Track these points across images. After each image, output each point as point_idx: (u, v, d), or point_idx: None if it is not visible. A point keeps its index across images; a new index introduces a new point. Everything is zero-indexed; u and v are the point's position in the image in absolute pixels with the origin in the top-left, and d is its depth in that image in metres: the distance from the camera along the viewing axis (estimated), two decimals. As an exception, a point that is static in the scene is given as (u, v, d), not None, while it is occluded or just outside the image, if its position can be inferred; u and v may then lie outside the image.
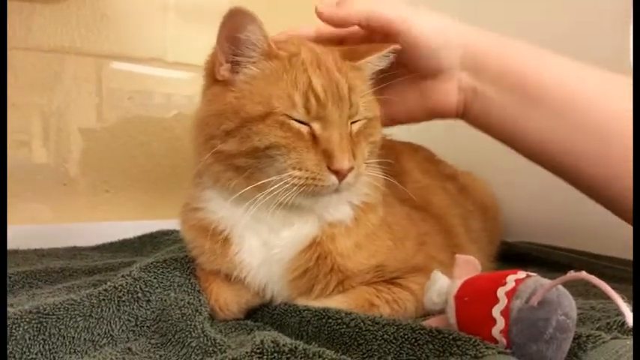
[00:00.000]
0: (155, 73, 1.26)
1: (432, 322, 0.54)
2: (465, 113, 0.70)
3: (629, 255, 0.91)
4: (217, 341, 0.52)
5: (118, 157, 1.22)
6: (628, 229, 0.89)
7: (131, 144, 1.24)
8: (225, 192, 0.62)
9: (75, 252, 1.03)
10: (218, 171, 0.61)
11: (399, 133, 0.84)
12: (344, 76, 0.60)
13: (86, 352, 0.54)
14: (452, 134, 1.34)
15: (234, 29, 0.57)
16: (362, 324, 0.51)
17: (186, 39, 1.27)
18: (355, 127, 0.60)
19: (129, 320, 0.60)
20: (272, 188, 0.57)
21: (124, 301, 0.61)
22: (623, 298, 0.36)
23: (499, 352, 0.42)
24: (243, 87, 0.58)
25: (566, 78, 0.64)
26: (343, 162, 0.56)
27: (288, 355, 0.44)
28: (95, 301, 0.59)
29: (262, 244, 0.63)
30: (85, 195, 1.19)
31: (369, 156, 0.63)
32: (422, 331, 0.47)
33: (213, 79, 0.61)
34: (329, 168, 0.56)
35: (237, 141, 0.57)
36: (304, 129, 0.57)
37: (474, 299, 0.48)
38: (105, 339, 0.57)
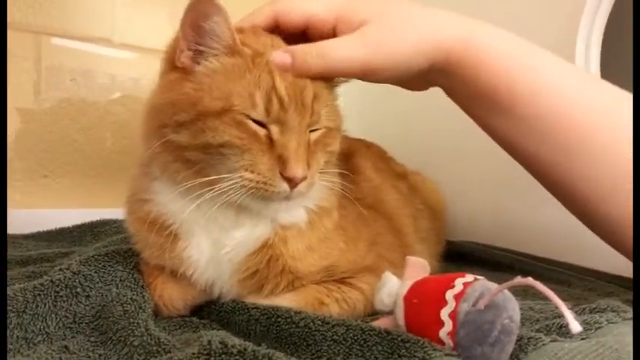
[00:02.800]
0: (99, 52, 1.20)
1: (381, 323, 0.54)
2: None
3: (566, 258, 0.96)
4: (162, 340, 0.50)
5: (57, 140, 1.16)
6: (565, 234, 0.93)
7: (72, 127, 1.18)
8: (172, 184, 0.59)
9: (8, 240, 0.96)
10: (166, 161, 0.59)
11: (352, 130, 0.84)
12: (310, 82, 0.58)
13: (19, 351, 0.51)
14: (402, 133, 1.36)
15: (198, 17, 0.54)
16: (312, 324, 0.51)
17: (136, 21, 1.21)
18: (314, 135, 0.59)
19: (66, 317, 0.57)
20: (220, 185, 0.55)
21: (61, 297, 0.57)
22: (566, 305, 0.38)
23: (446, 355, 0.42)
24: (202, 79, 0.56)
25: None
26: (297, 170, 0.55)
27: (237, 357, 0.43)
28: (30, 297, 0.55)
29: (212, 243, 0.61)
30: (20, 179, 1.13)
31: (325, 165, 0.61)
32: (371, 332, 0.47)
33: (172, 64, 0.59)
34: (282, 174, 0.55)
35: (189, 133, 0.55)
36: (262, 131, 0.56)
37: (423, 301, 0.49)
38: (40, 336, 0.54)
